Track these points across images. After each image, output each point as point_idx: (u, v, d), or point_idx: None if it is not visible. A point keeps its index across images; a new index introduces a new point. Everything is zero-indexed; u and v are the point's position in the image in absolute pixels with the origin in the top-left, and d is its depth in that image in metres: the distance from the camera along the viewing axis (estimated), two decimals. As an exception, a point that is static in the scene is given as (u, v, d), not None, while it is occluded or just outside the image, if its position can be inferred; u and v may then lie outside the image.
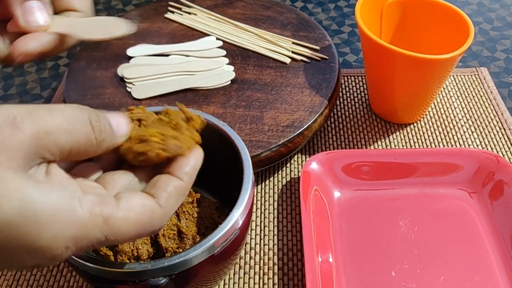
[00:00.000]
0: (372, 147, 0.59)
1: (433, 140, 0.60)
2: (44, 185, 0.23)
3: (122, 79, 0.59)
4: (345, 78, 0.68)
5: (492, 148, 0.58)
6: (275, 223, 0.51)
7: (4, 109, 0.23)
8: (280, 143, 0.51)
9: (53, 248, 0.23)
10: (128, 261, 0.37)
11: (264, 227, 0.51)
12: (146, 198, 0.27)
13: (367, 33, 0.54)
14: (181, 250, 0.39)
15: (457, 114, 0.63)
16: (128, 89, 0.58)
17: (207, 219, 0.42)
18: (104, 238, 0.24)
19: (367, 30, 0.54)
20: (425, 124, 0.62)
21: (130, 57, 0.62)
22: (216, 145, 0.43)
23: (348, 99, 0.65)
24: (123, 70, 0.59)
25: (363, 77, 0.69)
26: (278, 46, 0.63)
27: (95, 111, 0.26)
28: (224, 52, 0.62)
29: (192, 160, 0.30)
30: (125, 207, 0.25)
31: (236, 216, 0.35)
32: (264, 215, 0.52)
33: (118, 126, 0.28)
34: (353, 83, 0.68)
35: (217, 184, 0.46)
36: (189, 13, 0.69)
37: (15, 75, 0.74)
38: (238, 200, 0.36)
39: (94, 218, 0.24)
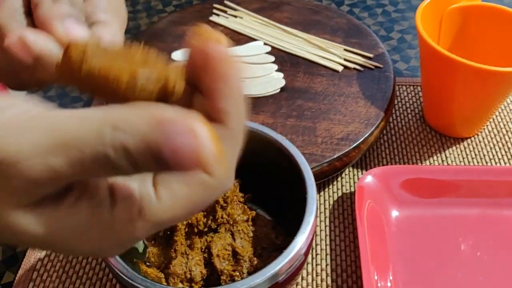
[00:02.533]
0: (427, 162, 0.56)
1: (493, 156, 0.56)
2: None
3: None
4: (397, 87, 0.65)
5: (558, 167, 0.54)
6: (327, 242, 0.48)
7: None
8: (335, 156, 0.48)
9: None
10: (180, 284, 0.35)
11: (316, 245, 0.48)
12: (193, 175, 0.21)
13: (428, 41, 0.50)
14: (237, 273, 0.36)
15: (518, 128, 0.59)
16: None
17: (264, 239, 0.39)
18: (152, 230, 0.21)
19: (428, 39, 0.51)
20: (483, 138, 0.58)
21: (175, 61, 0.60)
22: (271, 159, 0.41)
23: (400, 109, 0.62)
24: (168, 74, 0.57)
25: (415, 86, 0.65)
26: (329, 53, 0.60)
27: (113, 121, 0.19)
28: (272, 58, 0.59)
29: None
30: (166, 197, 0.20)
31: (301, 241, 0.33)
32: (316, 232, 0.49)
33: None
34: (405, 93, 0.64)
35: (270, 201, 0.44)
36: (235, 16, 0.67)
37: (54, 76, 0.72)
38: (302, 223, 0.33)
39: (128, 225, 0.20)
